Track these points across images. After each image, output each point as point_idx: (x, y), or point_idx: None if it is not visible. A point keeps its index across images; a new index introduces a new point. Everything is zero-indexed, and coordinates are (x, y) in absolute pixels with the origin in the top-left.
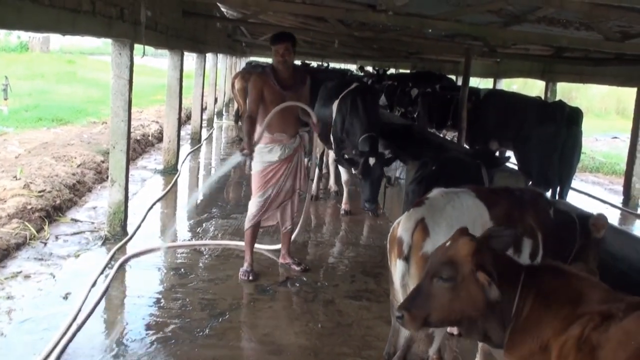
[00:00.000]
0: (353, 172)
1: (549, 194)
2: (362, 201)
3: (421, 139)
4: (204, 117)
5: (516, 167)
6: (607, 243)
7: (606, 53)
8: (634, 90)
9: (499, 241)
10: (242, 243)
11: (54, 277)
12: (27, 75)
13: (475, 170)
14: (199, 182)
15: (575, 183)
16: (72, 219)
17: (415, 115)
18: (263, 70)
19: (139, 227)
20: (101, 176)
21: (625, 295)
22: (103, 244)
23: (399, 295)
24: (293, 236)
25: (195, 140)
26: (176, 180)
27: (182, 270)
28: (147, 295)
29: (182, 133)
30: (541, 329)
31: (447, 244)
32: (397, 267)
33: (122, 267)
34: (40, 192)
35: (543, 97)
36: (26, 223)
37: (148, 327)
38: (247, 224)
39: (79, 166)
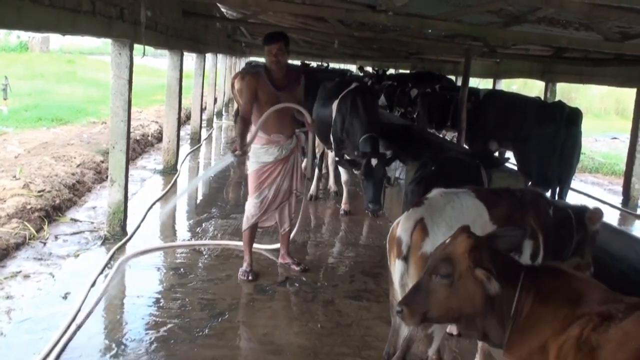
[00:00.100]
0: (354, 172)
1: (548, 194)
2: (366, 202)
3: (421, 139)
4: (204, 117)
5: (516, 168)
6: (607, 243)
7: (606, 53)
8: (634, 90)
9: (505, 241)
10: (241, 243)
11: (53, 276)
12: (27, 75)
13: (474, 170)
14: (199, 182)
15: (574, 183)
16: (71, 219)
17: (414, 116)
18: (257, 70)
19: (138, 227)
20: (101, 176)
21: (624, 296)
22: (102, 243)
23: (398, 295)
24: (291, 236)
25: (195, 140)
26: (176, 181)
27: (182, 270)
28: (146, 295)
29: (182, 133)
30: (540, 329)
31: (447, 241)
32: (396, 267)
33: (121, 267)
34: (39, 192)
35: (542, 98)
36: (26, 223)
37: (147, 326)
38: (245, 225)
39: (78, 166)
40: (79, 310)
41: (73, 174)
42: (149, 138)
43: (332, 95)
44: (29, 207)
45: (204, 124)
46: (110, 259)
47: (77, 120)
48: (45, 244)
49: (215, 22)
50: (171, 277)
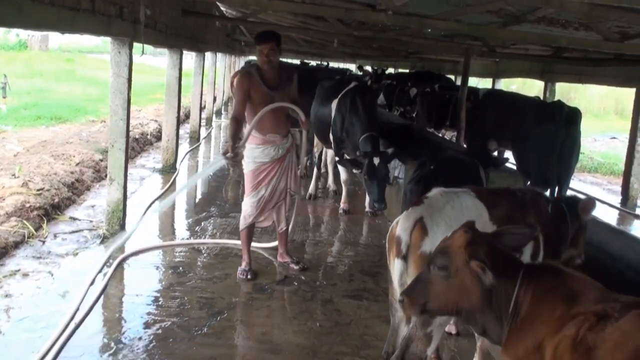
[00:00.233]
0: (355, 172)
1: (547, 194)
2: (371, 202)
3: (420, 138)
4: (203, 115)
5: (514, 167)
6: (606, 243)
7: (605, 53)
8: (633, 90)
9: (512, 238)
10: (240, 242)
11: (52, 275)
12: (26, 74)
13: (474, 170)
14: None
15: (573, 183)
16: (70, 218)
17: (414, 115)
18: (248, 70)
19: (137, 225)
20: (100, 175)
21: (619, 295)
22: (101, 242)
23: (397, 295)
24: (289, 235)
25: (194, 139)
26: (175, 179)
27: (181, 268)
28: (145, 293)
29: (181, 132)
30: (536, 328)
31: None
32: (395, 266)
33: (120, 266)
34: (38, 190)
35: (542, 97)
36: (24, 221)
37: (146, 325)
38: (242, 224)
39: (77, 164)
40: (77, 309)
41: (72, 173)
42: (148, 137)
43: (331, 95)
44: (28, 205)
45: (203, 122)
46: (109, 257)
47: (76, 119)
48: (44, 242)
49: (215, 21)
50: (170, 275)
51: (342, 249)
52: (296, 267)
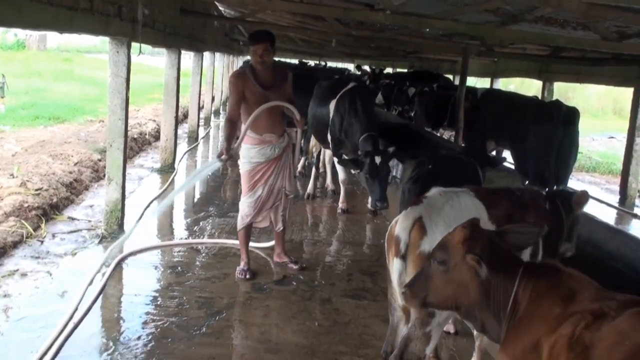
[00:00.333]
0: (355, 172)
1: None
2: (373, 201)
3: (418, 138)
4: (201, 115)
5: (512, 167)
6: (604, 242)
7: (603, 53)
8: (631, 90)
9: (518, 237)
10: (238, 242)
11: (50, 275)
12: (24, 74)
13: (472, 169)
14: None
15: (571, 182)
16: (69, 217)
17: (412, 114)
18: (242, 70)
19: (135, 225)
20: (98, 174)
21: (615, 293)
22: (100, 242)
23: (397, 294)
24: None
25: (193, 138)
26: (173, 179)
27: (179, 268)
28: (144, 293)
29: (179, 131)
30: (533, 327)
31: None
32: (394, 266)
33: (119, 266)
34: (37, 190)
35: (540, 97)
36: (23, 221)
37: (145, 325)
38: (240, 224)
39: (76, 164)
40: (76, 309)
41: (70, 173)
42: (147, 136)
43: (329, 95)
44: (26, 205)
45: (202, 122)
46: (108, 257)
47: (74, 119)
48: (42, 242)
49: (213, 21)
50: (169, 275)
51: (340, 249)
52: (295, 267)
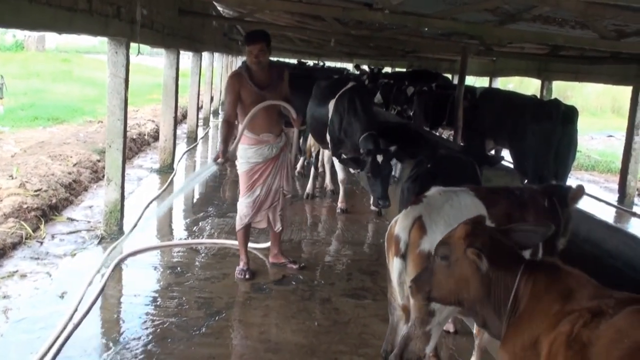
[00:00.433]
0: (355, 171)
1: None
2: (375, 199)
3: (417, 137)
4: (200, 115)
5: (511, 165)
6: (603, 241)
7: (601, 52)
8: (629, 88)
9: (522, 236)
10: (237, 242)
11: (50, 276)
12: (23, 74)
13: (471, 168)
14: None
15: (570, 181)
16: (68, 218)
17: (411, 114)
18: (238, 71)
19: (135, 226)
20: (97, 175)
21: (613, 291)
22: (99, 242)
23: (397, 293)
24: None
25: (192, 139)
26: (172, 179)
27: (179, 269)
28: (143, 294)
29: (178, 132)
30: (532, 325)
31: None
32: (394, 265)
33: (118, 266)
34: (36, 191)
35: (539, 96)
36: (22, 222)
37: (144, 325)
38: (239, 225)
39: (75, 165)
40: (76, 310)
41: (69, 173)
42: (146, 137)
43: (328, 95)
44: (25, 206)
45: (201, 122)
46: (107, 258)
47: (73, 120)
48: (42, 243)
49: (212, 21)
50: (168, 276)
51: (340, 248)
52: (295, 267)
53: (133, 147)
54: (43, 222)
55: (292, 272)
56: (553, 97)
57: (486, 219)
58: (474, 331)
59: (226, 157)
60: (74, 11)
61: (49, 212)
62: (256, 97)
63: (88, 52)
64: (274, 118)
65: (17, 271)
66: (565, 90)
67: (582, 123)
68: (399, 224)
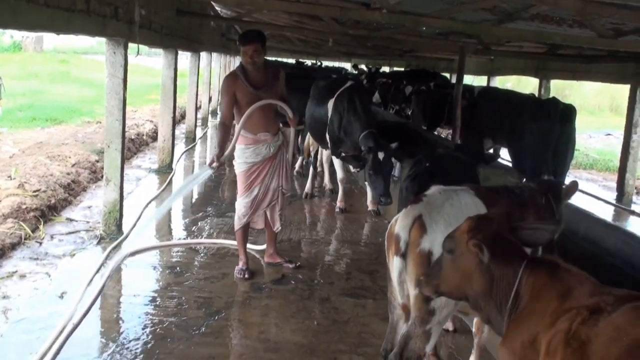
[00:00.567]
0: (355, 170)
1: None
2: (377, 196)
3: (415, 136)
4: (199, 115)
5: (509, 164)
6: (602, 239)
7: (599, 50)
8: (627, 87)
9: (530, 234)
10: (236, 242)
11: (49, 276)
12: (21, 75)
13: (470, 167)
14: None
15: (569, 180)
16: (67, 219)
17: (409, 113)
18: (233, 72)
19: (134, 226)
20: (96, 175)
21: (611, 288)
22: (98, 243)
23: (397, 293)
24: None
25: (190, 139)
26: (171, 179)
27: (178, 268)
28: (143, 294)
29: (177, 132)
30: (532, 322)
31: None
32: (394, 264)
33: (117, 266)
34: (35, 191)
35: (537, 95)
36: (21, 223)
37: (144, 325)
38: (237, 225)
39: (73, 165)
40: (75, 310)
41: (68, 174)
42: (144, 137)
43: (327, 94)
44: (24, 207)
45: (199, 122)
46: (106, 258)
47: (71, 120)
48: (41, 243)
49: (210, 21)
50: (167, 275)
51: (339, 248)
52: (291, 266)
53: (132, 147)
54: (42, 223)
55: (291, 271)
56: (551, 95)
57: None
58: (473, 330)
59: (220, 162)
60: (72, 12)
61: (47, 212)
62: (252, 97)
63: (86, 52)
64: (270, 117)
65: (16, 271)
66: (564, 89)
67: (580, 122)
68: (399, 223)
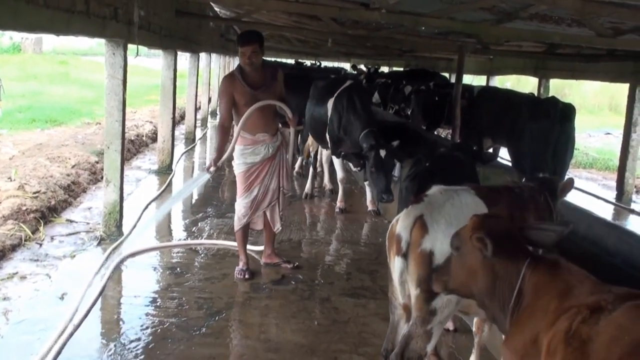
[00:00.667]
0: (356, 169)
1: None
2: (379, 194)
3: (415, 136)
4: (198, 116)
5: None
6: (601, 238)
7: (598, 49)
8: (626, 86)
9: (538, 234)
10: (236, 243)
11: (50, 277)
12: (20, 77)
13: (470, 167)
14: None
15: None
16: (67, 220)
17: (408, 113)
18: (231, 73)
19: (134, 227)
20: (96, 177)
21: (611, 286)
22: (98, 244)
23: (398, 293)
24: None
25: (190, 139)
26: (171, 180)
27: (178, 269)
28: (143, 294)
29: (176, 133)
30: (533, 321)
31: None
32: (395, 264)
33: (118, 267)
34: (35, 193)
35: (536, 94)
36: (21, 224)
37: (145, 326)
38: (237, 225)
39: (73, 167)
40: (76, 311)
41: (68, 175)
42: (144, 138)
43: (326, 94)
44: (24, 208)
45: (199, 123)
46: (107, 259)
47: (71, 121)
48: (41, 245)
49: (209, 22)
50: (168, 276)
51: (339, 248)
52: (289, 266)
53: (131, 148)
54: (42, 224)
55: (290, 271)
56: (550, 95)
57: None
58: (474, 329)
59: (217, 167)
60: (72, 13)
61: (48, 213)
62: (250, 97)
63: (85, 54)
64: (269, 117)
65: (16, 273)
66: (563, 88)
67: (579, 121)
68: (400, 223)
